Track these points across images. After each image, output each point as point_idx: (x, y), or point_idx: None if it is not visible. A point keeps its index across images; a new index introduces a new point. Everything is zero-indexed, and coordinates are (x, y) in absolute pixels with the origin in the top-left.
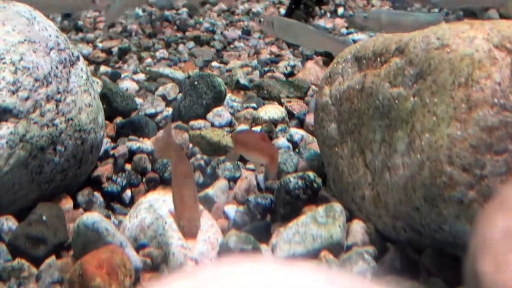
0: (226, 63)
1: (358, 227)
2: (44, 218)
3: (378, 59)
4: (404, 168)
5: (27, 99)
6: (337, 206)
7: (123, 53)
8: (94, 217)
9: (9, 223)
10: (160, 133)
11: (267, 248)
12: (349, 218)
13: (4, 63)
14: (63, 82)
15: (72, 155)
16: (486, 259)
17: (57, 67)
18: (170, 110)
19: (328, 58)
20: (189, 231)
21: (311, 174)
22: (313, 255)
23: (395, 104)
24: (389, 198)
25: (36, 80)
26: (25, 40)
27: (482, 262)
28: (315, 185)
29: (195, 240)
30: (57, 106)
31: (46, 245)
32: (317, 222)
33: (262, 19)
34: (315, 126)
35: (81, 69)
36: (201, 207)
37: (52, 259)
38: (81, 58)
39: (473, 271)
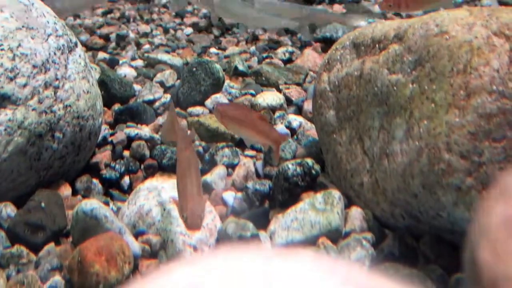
0: (224, 49)
1: (356, 214)
2: (43, 205)
3: (377, 45)
4: (403, 155)
5: (25, 85)
6: (336, 193)
7: (121, 39)
8: (93, 203)
9: (8, 209)
10: (165, 115)
11: (265, 234)
12: (348, 204)
13: (2, 49)
14: (61, 68)
15: (70, 142)
16: (486, 247)
17: (55, 54)
18: (168, 96)
19: (326, 44)
20: (193, 223)
21: (309, 161)
22: (312, 241)
23: (394, 91)
24: (387, 184)
25: (34, 66)
26: (23, 26)
27: (481, 251)
28: (313, 172)
29: (198, 231)
30: (55, 92)
31: (45, 232)
32: (316, 209)
33: None
34: (314, 113)
35: (79, 56)
36: (205, 196)
37: (51, 245)
38: (79, 45)
39: (472, 259)
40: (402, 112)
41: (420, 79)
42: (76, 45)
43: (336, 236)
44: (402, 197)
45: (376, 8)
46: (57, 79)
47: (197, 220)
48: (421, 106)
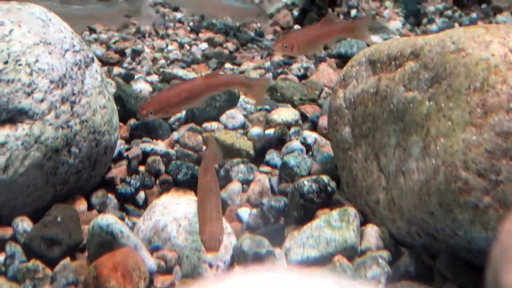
0: (239, 64)
1: (372, 232)
2: (59, 219)
3: (393, 62)
4: (419, 173)
5: (42, 100)
6: (351, 210)
7: (136, 54)
8: (109, 219)
9: (24, 224)
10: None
11: (280, 251)
12: (363, 222)
13: (19, 65)
14: (78, 83)
15: (86, 157)
16: (510, 270)
17: (72, 69)
18: (183, 112)
19: (341, 60)
20: (211, 246)
21: (325, 177)
22: (327, 259)
23: (410, 108)
24: (403, 202)
25: (51, 81)
26: (40, 42)
27: (506, 274)
28: (329, 188)
29: (217, 253)
30: (72, 107)
31: (61, 246)
32: (331, 226)
33: None
34: (329, 129)
35: (96, 71)
36: (225, 221)
37: (67, 260)
38: (96, 60)
39: (495, 281)
40: (418, 129)
41: (437, 97)
42: (92, 60)
43: (352, 253)
44: (419, 215)
45: (392, 24)
46: (73, 94)
47: (216, 244)
48: (438, 123)
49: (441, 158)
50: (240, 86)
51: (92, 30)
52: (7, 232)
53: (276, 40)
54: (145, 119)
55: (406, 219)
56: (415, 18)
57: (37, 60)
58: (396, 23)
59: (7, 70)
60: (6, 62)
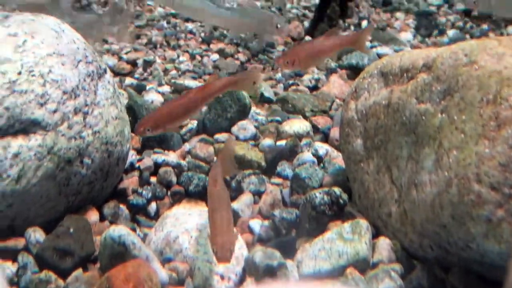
0: None
1: (384, 244)
2: (71, 230)
3: (405, 74)
4: (432, 185)
5: (55, 111)
6: (363, 223)
7: (148, 65)
8: (121, 230)
9: (37, 235)
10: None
11: (292, 264)
12: (375, 234)
13: (33, 75)
14: (90, 94)
15: (99, 168)
16: None
17: (84, 80)
18: (195, 123)
19: (352, 71)
20: (222, 257)
21: (337, 189)
22: (339, 271)
23: (422, 120)
24: (416, 215)
25: (64, 92)
26: (53, 53)
27: None
28: (341, 201)
29: (228, 264)
30: (84, 118)
31: (73, 257)
32: (343, 238)
33: None
34: (341, 141)
35: (108, 82)
36: (235, 230)
37: (79, 271)
38: (108, 71)
39: None
40: (431, 142)
41: (449, 109)
42: (105, 71)
43: (364, 266)
44: (431, 228)
45: (403, 35)
46: (86, 105)
47: (227, 254)
48: (451, 136)
49: (454, 170)
50: (232, 86)
51: (104, 41)
52: (20, 242)
53: (278, 56)
54: (143, 136)
55: (419, 232)
56: (426, 30)
57: (50, 71)
58: (407, 35)
59: (21, 81)
60: (19, 73)
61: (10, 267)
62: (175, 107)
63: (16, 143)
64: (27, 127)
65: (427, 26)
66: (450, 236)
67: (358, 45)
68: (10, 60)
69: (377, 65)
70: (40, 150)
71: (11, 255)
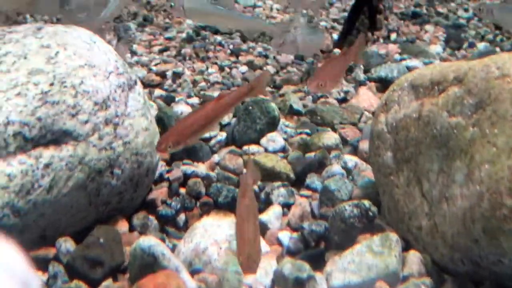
0: (279, 87)
1: (414, 258)
2: (101, 240)
3: (436, 87)
4: (463, 199)
5: (86, 122)
6: (393, 236)
7: (177, 76)
8: (151, 241)
9: (67, 244)
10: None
11: (321, 276)
12: (405, 248)
13: (65, 86)
14: (121, 105)
15: (128, 178)
16: None
17: (115, 91)
18: (224, 134)
19: (381, 84)
20: (248, 267)
21: (366, 202)
22: (369, 285)
23: (454, 134)
24: (446, 229)
25: (95, 103)
26: (85, 64)
27: None
28: (370, 213)
29: (254, 275)
30: (115, 129)
31: (103, 267)
32: (373, 252)
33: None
34: (370, 153)
35: (139, 93)
36: (263, 242)
37: (108, 281)
38: (139, 82)
39: None
40: (462, 155)
41: (481, 123)
42: (135, 82)
43: (393, 280)
44: (462, 242)
45: (432, 48)
46: (117, 116)
47: (253, 265)
48: (482, 149)
49: (486, 184)
50: (248, 94)
51: (133, 53)
52: (50, 252)
53: (310, 80)
54: (164, 153)
55: (449, 245)
56: (456, 42)
57: (82, 82)
58: (436, 47)
59: (53, 92)
60: (52, 84)
61: (41, 276)
62: (194, 121)
63: (48, 154)
64: (59, 137)
65: (456, 39)
66: (481, 250)
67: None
68: (42, 71)
69: (407, 77)
70: (71, 161)
71: (42, 264)
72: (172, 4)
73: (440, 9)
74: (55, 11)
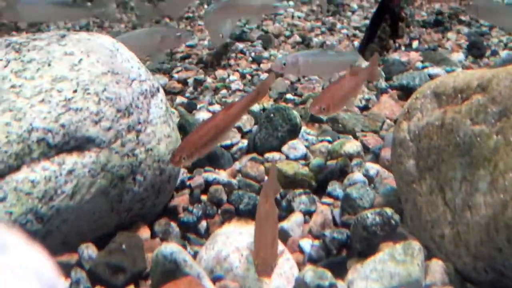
0: (300, 95)
1: (437, 266)
2: (123, 247)
3: (459, 95)
4: (486, 208)
5: (109, 129)
6: (416, 244)
7: (198, 84)
8: (173, 247)
9: (90, 250)
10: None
11: (343, 284)
12: (428, 256)
13: (88, 93)
14: (143, 113)
15: (150, 185)
16: None
17: (138, 98)
18: (245, 142)
19: (403, 92)
20: (263, 272)
21: (388, 210)
22: None
23: (477, 142)
24: (470, 237)
25: (118, 110)
26: (108, 71)
27: None
28: (392, 221)
29: (269, 279)
30: (137, 136)
31: (125, 274)
32: (395, 260)
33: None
34: (392, 161)
35: (161, 100)
36: (281, 248)
37: None
38: (161, 89)
39: None
40: (486, 163)
41: (505, 131)
42: (158, 90)
43: None
44: (486, 251)
45: (454, 56)
46: (139, 123)
47: (268, 269)
48: (506, 158)
49: (510, 193)
50: (256, 99)
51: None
52: (73, 258)
53: (313, 103)
54: (178, 166)
55: (473, 254)
56: (478, 50)
57: (105, 89)
58: (458, 55)
59: (76, 99)
60: (75, 91)
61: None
62: (206, 132)
63: (71, 160)
64: (82, 144)
65: (479, 46)
66: (505, 259)
67: (373, 76)
68: (66, 78)
69: (430, 85)
70: (94, 167)
71: (64, 270)
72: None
73: (462, 17)
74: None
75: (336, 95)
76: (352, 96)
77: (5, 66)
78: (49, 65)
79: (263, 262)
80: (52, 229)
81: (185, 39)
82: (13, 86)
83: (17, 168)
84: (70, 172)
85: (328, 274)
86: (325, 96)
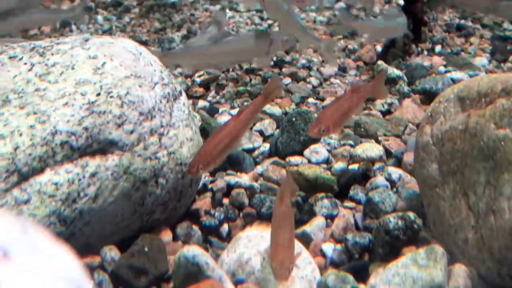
0: (322, 99)
1: (460, 271)
2: (146, 249)
3: (483, 99)
4: (511, 212)
5: (132, 132)
6: (439, 249)
7: (220, 88)
8: (195, 250)
9: (112, 253)
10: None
11: None
12: (451, 261)
13: (111, 97)
14: (166, 116)
15: (173, 188)
16: None
17: (161, 102)
18: (267, 146)
19: (425, 96)
20: (280, 274)
21: (411, 214)
22: None
23: (501, 146)
24: (494, 242)
25: (141, 114)
26: (131, 75)
27: None
28: (415, 226)
29: (286, 282)
30: (160, 139)
31: (147, 276)
32: (418, 264)
33: None
34: (415, 165)
35: (183, 104)
36: (299, 248)
37: None
38: (183, 93)
39: None
40: (510, 168)
41: None
42: (180, 93)
43: None
44: (510, 256)
45: (477, 60)
46: (162, 126)
47: (285, 272)
48: None
49: None
50: (264, 103)
51: (177, 64)
52: (95, 260)
53: (312, 125)
54: (196, 176)
55: (497, 259)
56: (502, 55)
57: (127, 93)
58: (482, 60)
59: (99, 102)
60: (98, 94)
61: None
62: (220, 140)
63: (94, 163)
64: (105, 147)
65: (502, 51)
66: None
67: (378, 92)
68: (89, 82)
69: (453, 89)
70: (116, 170)
71: (87, 272)
72: None
73: (485, 21)
74: None
75: (336, 115)
76: (354, 113)
77: (30, 70)
78: (72, 68)
79: (280, 265)
80: (75, 232)
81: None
82: (37, 90)
83: (41, 170)
84: (93, 175)
85: (350, 278)
86: (325, 116)
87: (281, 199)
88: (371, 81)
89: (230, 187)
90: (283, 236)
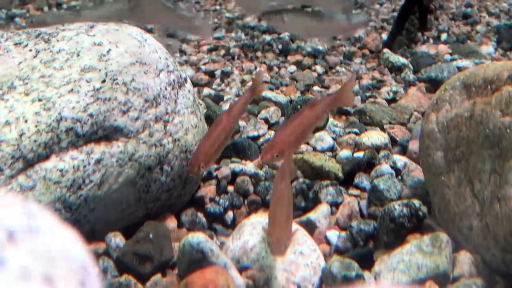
0: (327, 87)
1: (465, 258)
2: (151, 236)
3: (489, 86)
4: None
5: (137, 119)
6: (443, 236)
7: (225, 76)
8: (200, 237)
9: (117, 239)
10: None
11: (370, 275)
12: (456, 248)
13: (116, 83)
14: (171, 103)
15: (177, 175)
16: None
17: (166, 89)
18: (272, 133)
19: (431, 84)
20: (276, 250)
21: (416, 202)
22: (418, 285)
23: (507, 134)
24: (499, 229)
25: (146, 101)
26: (136, 61)
27: None
28: (420, 213)
29: (282, 257)
30: (165, 126)
31: (152, 262)
32: (423, 251)
33: None
34: (420, 153)
35: (189, 91)
36: (296, 227)
37: (158, 276)
38: (189, 80)
39: None
40: None
41: None
42: (185, 80)
43: (443, 280)
44: None
45: (483, 49)
46: (167, 113)
47: (281, 247)
48: None
49: None
50: (251, 98)
51: (183, 52)
52: (100, 246)
53: (264, 151)
54: (197, 175)
55: (502, 247)
56: (508, 43)
57: (133, 80)
58: (488, 48)
59: (104, 89)
60: (103, 81)
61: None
62: (216, 138)
63: (99, 150)
64: (110, 134)
65: (509, 39)
66: None
67: (345, 101)
68: (95, 69)
69: (459, 76)
70: (121, 157)
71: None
72: None
73: (491, 9)
74: None
75: (291, 137)
76: (313, 128)
77: (35, 56)
78: (78, 55)
79: (276, 241)
80: (80, 218)
81: None
82: (42, 76)
83: (46, 157)
84: (98, 161)
85: (355, 265)
86: (279, 139)
87: (280, 177)
88: (335, 92)
89: (235, 175)
90: (281, 213)
